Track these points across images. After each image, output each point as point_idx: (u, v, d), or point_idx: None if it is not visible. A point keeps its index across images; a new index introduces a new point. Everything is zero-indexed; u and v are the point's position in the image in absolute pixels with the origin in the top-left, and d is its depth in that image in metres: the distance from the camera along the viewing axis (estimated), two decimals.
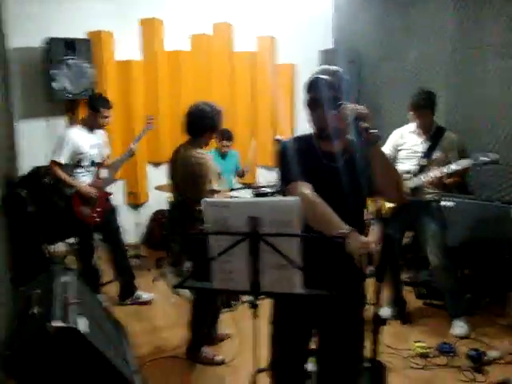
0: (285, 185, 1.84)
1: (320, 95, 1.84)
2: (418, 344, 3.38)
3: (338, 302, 1.85)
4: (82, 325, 1.91)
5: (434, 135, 3.59)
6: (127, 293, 4.22)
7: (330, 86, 1.84)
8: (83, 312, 2.05)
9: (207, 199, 1.39)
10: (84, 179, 3.95)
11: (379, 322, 1.64)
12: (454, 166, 3.42)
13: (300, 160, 1.87)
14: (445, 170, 3.45)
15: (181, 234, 3.28)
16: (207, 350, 3.32)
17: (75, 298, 2.11)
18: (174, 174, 3.27)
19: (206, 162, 3.03)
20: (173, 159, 3.26)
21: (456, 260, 4.11)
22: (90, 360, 1.87)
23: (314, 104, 1.89)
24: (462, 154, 3.55)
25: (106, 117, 3.96)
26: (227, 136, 5.04)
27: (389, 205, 3.65)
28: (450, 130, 3.66)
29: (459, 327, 3.62)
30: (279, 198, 1.39)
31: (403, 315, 3.85)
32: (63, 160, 3.81)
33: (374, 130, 1.66)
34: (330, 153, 1.91)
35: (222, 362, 3.28)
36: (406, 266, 4.39)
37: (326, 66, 1.97)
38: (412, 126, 3.68)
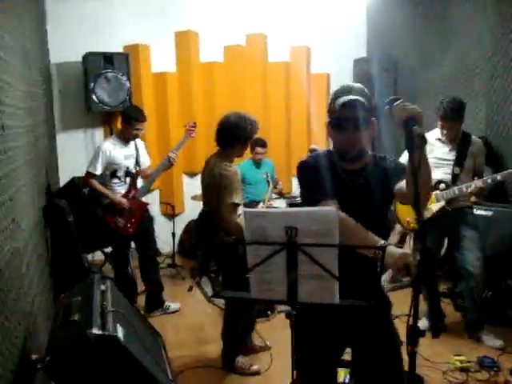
0: (311, 203, 1.75)
1: (353, 116, 1.80)
2: (457, 358, 3.28)
3: (369, 315, 1.82)
4: (121, 333, 1.94)
5: (461, 142, 3.51)
6: (154, 304, 4.22)
7: (362, 107, 1.81)
8: (121, 320, 2.08)
9: (246, 209, 1.40)
10: (119, 190, 4.04)
11: (417, 333, 1.60)
12: (499, 177, 3.33)
13: (323, 178, 1.85)
14: (489, 180, 3.36)
15: (206, 244, 3.28)
16: (242, 360, 3.31)
17: (113, 306, 2.15)
18: (202, 185, 3.29)
19: (230, 175, 3.00)
20: (203, 170, 3.28)
21: (496, 271, 4.00)
22: (128, 368, 1.90)
23: (342, 125, 1.84)
24: (486, 159, 3.54)
25: (139, 129, 4.02)
26: (261, 143, 5.05)
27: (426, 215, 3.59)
28: (475, 136, 3.59)
29: (495, 339, 3.53)
30: (317, 207, 1.37)
31: (441, 328, 3.75)
32: (97, 171, 3.91)
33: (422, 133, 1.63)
34: (351, 170, 1.91)
35: (257, 372, 3.27)
36: (443, 277, 4.29)
37: (350, 84, 1.92)
38: (438, 133, 3.56)
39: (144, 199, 4.22)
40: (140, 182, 4.25)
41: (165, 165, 4.15)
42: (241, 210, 2.94)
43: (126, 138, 4.05)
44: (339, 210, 1.73)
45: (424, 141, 1.61)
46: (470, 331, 3.68)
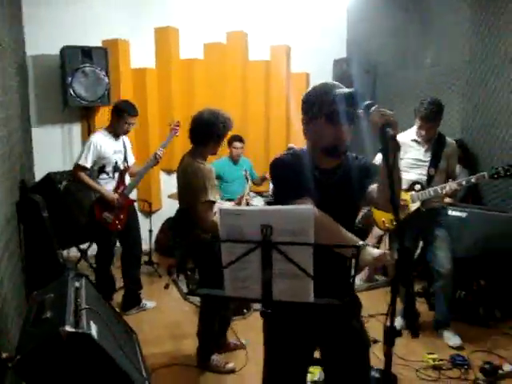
0: (284, 201, 1.71)
1: (353, 109, 1.78)
2: (430, 356, 3.34)
3: (339, 314, 1.84)
4: (94, 330, 1.91)
5: (436, 143, 3.56)
6: (132, 302, 4.18)
7: (354, 101, 1.78)
8: (95, 318, 2.05)
9: (222, 207, 1.39)
10: (107, 186, 3.97)
11: (393, 333, 1.61)
12: (473, 180, 3.39)
13: (299, 176, 1.83)
14: (464, 182, 3.42)
15: (183, 242, 3.27)
16: (217, 358, 3.31)
17: (87, 303, 2.12)
18: (177, 183, 3.27)
19: (204, 173, 2.98)
20: (178, 168, 3.25)
21: (470, 271, 4.08)
22: (101, 365, 1.87)
23: (339, 118, 1.79)
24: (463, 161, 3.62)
25: (130, 123, 3.98)
26: (238, 138, 5.05)
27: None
28: (449, 138, 3.64)
29: (454, 337, 3.62)
30: (293, 206, 1.37)
31: (416, 327, 3.82)
32: (88, 164, 3.84)
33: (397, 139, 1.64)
34: (326, 169, 1.90)
35: (232, 370, 3.27)
36: (418, 277, 4.35)
37: (335, 82, 1.88)
38: (413, 134, 3.60)
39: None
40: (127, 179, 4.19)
41: (152, 162, 4.16)
42: (216, 207, 2.93)
43: (116, 132, 4.00)
44: (316, 208, 1.73)
45: (398, 146, 1.64)
46: (438, 329, 3.76)
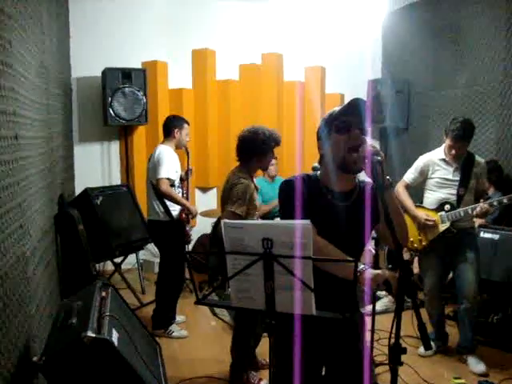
0: None
1: (358, 115, 1.82)
2: (457, 381, 3.27)
3: (344, 331, 1.85)
4: (115, 337, 2.01)
5: (465, 162, 3.52)
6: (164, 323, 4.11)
7: (365, 108, 1.84)
8: (117, 326, 2.15)
9: (225, 220, 1.47)
10: None
11: (399, 351, 1.61)
12: (505, 200, 3.35)
13: (307, 199, 1.84)
14: (495, 203, 3.39)
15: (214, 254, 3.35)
16: (252, 374, 3.32)
17: (111, 312, 2.23)
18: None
19: (239, 186, 3.06)
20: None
21: (504, 295, 3.98)
22: (120, 371, 1.96)
23: (348, 124, 1.83)
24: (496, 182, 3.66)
25: (188, 133, 4.15)
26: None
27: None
28: (478, 157, 3.60)
29: (479, 364, 3.51)
30: (292, 221, 1.43)
31: (427, 340, 3.74)
32: (172, 176, 3.92)
33: (387, 176, 1.70)
34: (340, 193, 1.92)
35: None
36: (450, 299, 4.27)
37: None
38: (441, 153, 3.59)
39: None
40: None
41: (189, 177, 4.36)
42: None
43: (178, 145, 4.12)
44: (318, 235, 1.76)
45: (391, 183, 1.70)
46: (460, 354, 3.67)
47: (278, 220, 4.97)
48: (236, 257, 1.43)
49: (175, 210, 4.02)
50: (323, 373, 2.03)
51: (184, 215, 4.05)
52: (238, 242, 1.44)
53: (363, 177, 1.90)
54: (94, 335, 1.92)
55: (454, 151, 3.48)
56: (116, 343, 1.98)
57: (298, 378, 1.82)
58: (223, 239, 1.47)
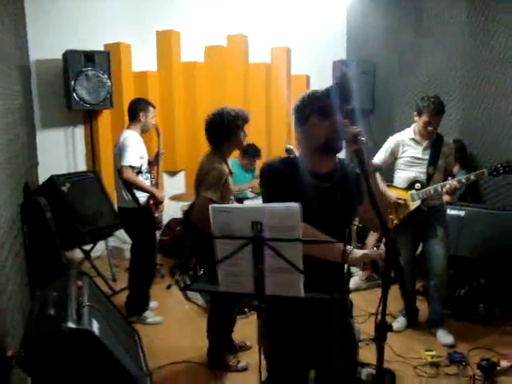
0: None
1: (343, 101, 1.82)
2: (428, 353, 3.38)
3: (331, 312, 1.88)
4: (95, 327, 1.98)
5: (434, 142, 3.60)
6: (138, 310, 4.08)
7: (344, 93, 1.84)
8: (97, 315, 2.12)
9: (213, 205, 1.45)
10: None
11: (385, 328, 1.64)
12: (473, 177, 3.47)
13: (288, 182, 1.84)
14: (463, 180, 3.49)
15: (190, 238, 3.32)
16: (230, 357, 3.34)
17: (89, 301, 2.18)
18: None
19: (213, 172, 3.02)
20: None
21: (470, 270, 4.12)
22: (102, 361, 1.94)
23: (331, 110, 1.82)
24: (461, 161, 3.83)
25: (153, 116, 4.05)
26: (250, 153, 5.11)
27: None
28: (446, 138, 3.70)
29: (447, 336, 3.64)
30: (281, 204, 1.41)
31: (413, 314, 3.88)
32: (135, 163, 3.82)
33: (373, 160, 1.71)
34: (321, 174, 1.91)
35: (245, 369, 3.31)
36: (419, 275, 4.39)
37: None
38: (411, 133, 3.65)
39: None
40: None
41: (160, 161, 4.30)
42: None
43: (144, 129, 4.03)
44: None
45: (376, 166, 1.71)
46: (430, 327, 3.80)
47: (250, 202, 5.03)
48: (225, 241, 1.42)
49: (143, 196, 3.95)
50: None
51: (151, 202, 3.98)
52: (225, 227, 1.42)
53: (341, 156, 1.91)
54: (74, 326, 1.88)
55: (431, 127, 3.52)
56: (97, 333, 1.95)
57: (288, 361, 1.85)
58: (211, 224, 1.45)
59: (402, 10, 5.55)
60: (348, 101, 1.86)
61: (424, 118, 3.53)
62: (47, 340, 1.88)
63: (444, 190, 3.49)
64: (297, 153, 2.03)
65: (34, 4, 5.01)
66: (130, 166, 3.78)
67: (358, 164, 1.66)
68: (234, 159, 5.09)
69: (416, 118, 3.61)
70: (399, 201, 3.60)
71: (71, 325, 1.88)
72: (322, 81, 5.90)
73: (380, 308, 1.58)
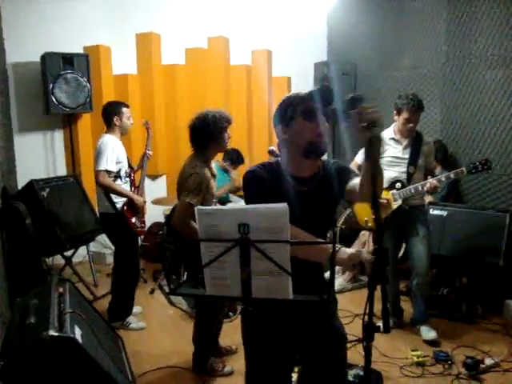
0: None
1: (327, 105, 1.80)
2: (414, 353, 3.39)
3: (318, 313, 1.86)
4: (78, 334, 1.93)
5: (414, 141, 3.62)
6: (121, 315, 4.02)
7: (329, 96, 1.82)
8: (79, 322, 2.07)
9: (199, 207, 1.42)
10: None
11: (372, 329, 1.63)
12: (452, 175, 3.50)
13: (271, 188, 1.81)
14: (443, 178, 3.52)
15: (173, 242, 3.27)
16: (216, 362, 3.31)
17: (71, 308, 2.13)
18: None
19: (195, 175, 2.98)
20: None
21: (452, 269, 4.15)
22: (86, 368, 1.89)
23: (315, 113, 1.79)
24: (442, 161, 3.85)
25: (129, 116, 3.96)
26: (233, 159, 5.10)
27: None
28: (426, 137, 3.73)
29: (430, 331, 3.66)
30: (268, 205, 1.38)
31: (387, 324, 3.87)
32: (111, 168, 3.75)
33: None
34: (303, 178, 1.88)
35: (230, 373, 3.28)
36: (403, 275, 4.41)
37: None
38: (391, 132, 3.67)
39: None
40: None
41: (146, 162, 4.21)
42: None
43: (123, 132, 3.95)
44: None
45: (381, 144, 1.69)
46: (414, 326, 3.81)
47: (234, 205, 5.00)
48: (211, 244, 1.39)
49: (122, 201, 3.89)
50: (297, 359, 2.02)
51: (125, 207, 3.89)
52: (212, 229, 1.39)
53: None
54: (56, 334, 1.83)
55: (410, 124, 3.55)
56: (80, 340, 1.90)
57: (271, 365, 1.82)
58: (197, 226, 1.42)
59: (382, 11, 5.59)
60: (331, 102, 1.84)
61: (404, 115, 3.55)
62: (28, 349, 1.83)
63: (425, 188, 3.52)
64: (279, 154, 2.00)
65: (10, 5, 4.91)
66: (106, 171, 3.72)
67: (368, 153, 1.64)
68: (215, 162, 5.06)
69: (396, 118, 3.63)
70: (383, 201, 3.61)
71: (53, 332, 1.84)
72: (303, 83, 5.97)
73: (367, 309, 1.56)
